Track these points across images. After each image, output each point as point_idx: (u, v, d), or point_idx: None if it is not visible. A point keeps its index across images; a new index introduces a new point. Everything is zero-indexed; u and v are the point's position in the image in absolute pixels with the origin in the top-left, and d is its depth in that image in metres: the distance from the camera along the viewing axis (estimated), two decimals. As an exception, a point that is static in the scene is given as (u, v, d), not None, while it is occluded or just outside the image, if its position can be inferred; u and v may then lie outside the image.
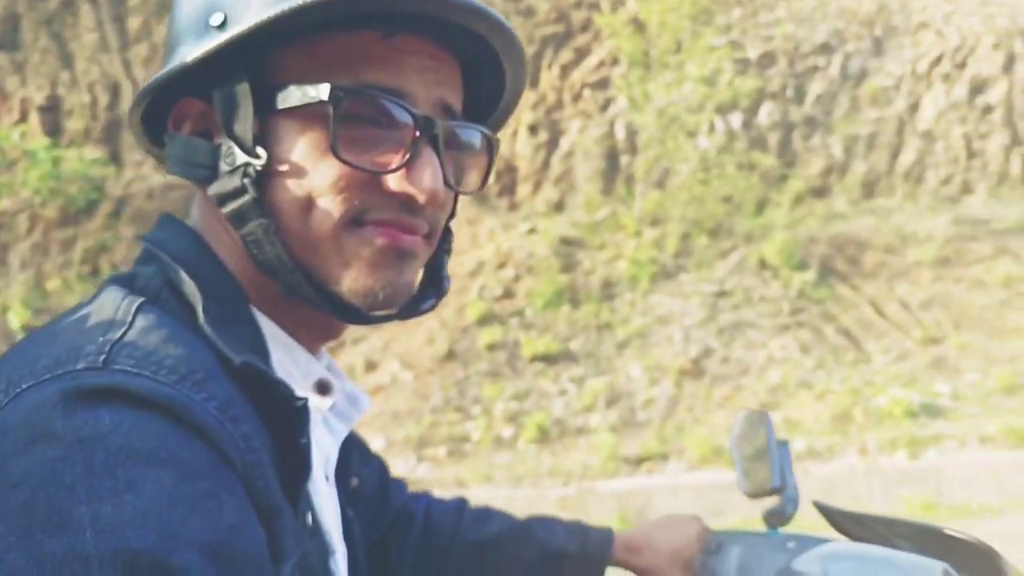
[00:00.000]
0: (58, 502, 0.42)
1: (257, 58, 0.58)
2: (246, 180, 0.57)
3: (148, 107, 0.63)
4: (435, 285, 0.69)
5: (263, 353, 0.59)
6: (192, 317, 0.56)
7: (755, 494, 0.90)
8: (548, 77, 10.31)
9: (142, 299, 0.55)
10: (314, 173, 0.57)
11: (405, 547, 0.94)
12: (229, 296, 0.59)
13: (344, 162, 0.57)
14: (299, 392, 0.57)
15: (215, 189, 0.59)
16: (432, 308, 0.68)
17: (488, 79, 0.67)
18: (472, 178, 0.66)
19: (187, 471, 0.46)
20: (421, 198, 0.58)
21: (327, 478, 0.67)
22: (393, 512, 0.94)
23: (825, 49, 11.55)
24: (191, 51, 0.58)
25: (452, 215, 0.68)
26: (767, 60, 11.25)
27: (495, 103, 0.70)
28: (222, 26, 0.57)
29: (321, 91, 0.56)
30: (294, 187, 0.58)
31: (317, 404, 0.64)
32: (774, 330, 7.12)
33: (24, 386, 0.47)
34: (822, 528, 0.85)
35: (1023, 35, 12.16)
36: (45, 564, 0.41)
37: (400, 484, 0.98)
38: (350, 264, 0.59)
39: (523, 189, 9.59)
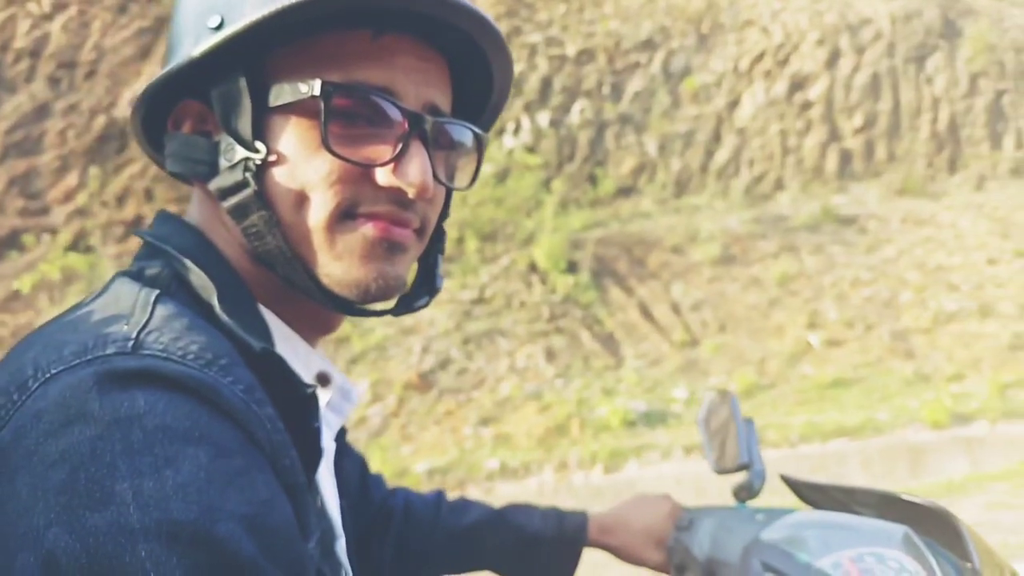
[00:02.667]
0: (100, 479, 0.43)
1: (253, 57, 0.60)
2: (247, 174, 0.59)
3: (149, 110, 0.64)
4: (428, 283, 0.71)
5: (271, 344, 0.60)
6: (203, 309, 0.57)
7: (724, 470, 0.94)
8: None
9: (158, 291, 0.56)
10: (307, 167, 0.59)
11: (386, 540, 0.95)
12: (235, 289, 0.60)
13: (335, 155, 0.59)
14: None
15: (217, 184, 0.60)
16: (426, 306, 0.70)
17: (475, 78, 0.68)
18: (462, 175, 0.69)
19: (221, 449, 0.47)
20: (411, 191, 0.60)
21: (329, 468, 0.71)
22: (374, 507, 0.96)
23: (648, 46, 11.40)
24: (189, 53, 0.59)
25: (445, 215, 0.70)
26: (585, 57, 11.04)
27: (483, 102, 0.71)
28: (219, 27, 0.59)
29: (313, 87, 0.58)
30: (289, 180, 0.59)
31: (319, 395, 0.63)
32: (528, 337, 6.84)
33: (54, 371, 0.48)
34: (790, 501, 0.87)
35: (850, 31, 12.25)
36: (88, 538, 0.42)
37: (379, 479, 1.00)
38: (342, 256, 0.60)
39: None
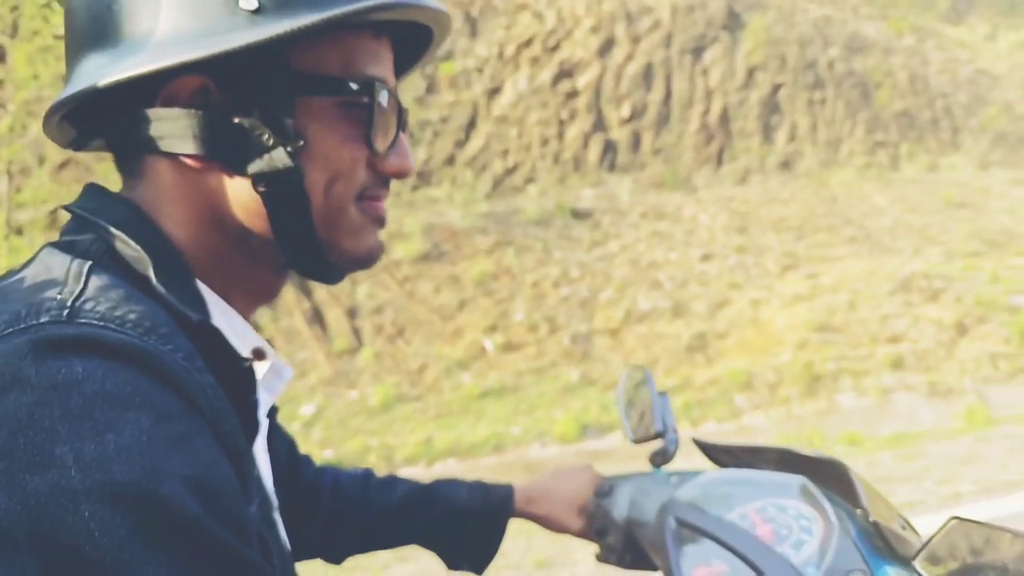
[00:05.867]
0: (39, 443, 0.43)
1: (285, 46, 0.60)
2: (293, 160, 0.60)
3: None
4: None
5: (207, 316, 0.60)
6: (138, 281, 0.56)
7: (640, 439, 0.99)
8: None
9: (90, 262, 0.55)
10: (338, 155, 0.62)
11: (315, 519, 0.96)
12: (172, 262, 0.60)
13: (371, 148, 0.63)
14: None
15: (257, 167, 0.60)
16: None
17: (406, 59, 0.73)
18: None
19: (162, 414, 0.47)
20: (409, 173, 0.67)
21: (263, 443, 0.70)
22: (303, 486, 0.95)
23: (408, 28, 10.77)
24: (217, 31, 0.57)
25: None
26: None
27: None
28: (256, 12, 0.58)
29: (357, 83, 0.61)
30: (322, 167, 0.61)
31: (255, 369, 0.62)
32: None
33: None
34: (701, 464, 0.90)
35: (627, 20, 11.98)
36: (30, 500, 0.42)
37: (308, 459, 1.00)
38: (355, 233, 0.65)
39: None
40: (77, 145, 0.68)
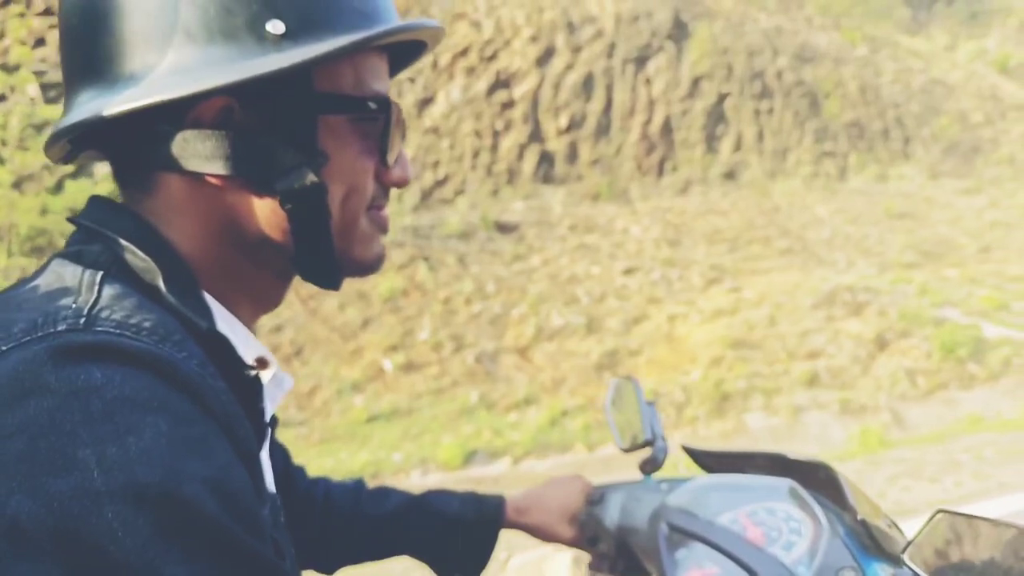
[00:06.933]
0: (61, 447, 0.43)
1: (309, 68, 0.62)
2: (316, 178, 0.61)
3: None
4: None
5: (214, 325, 0.60)
6: (147, 291, 0.57)
7: (630, 448, 1.02)
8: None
9: (102, 271, 0.56)
10: (352, 169, 0.64)
11: (307, 529, 0.97)
12: (179, 272, 0.60)
13: (384, 162, 0.66)
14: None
15: (284, 184, 0.61)
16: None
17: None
18: None
19: (179, 418, 0.47)
20: (409, 182, 0.71)
21: (265, 451, 0.70)
22: (297, 496, 0.96)
23: (338, 37, 10.51)
24: (246, 56, 0.59)
25: None
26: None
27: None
28: (283, 36, 0.59)
29: (368, 101, 0.64)
30: (340, 182, 0.63)
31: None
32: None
33: (4, 348, 0.48)
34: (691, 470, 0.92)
35: (569, 29, 11.79)
36: (53, 503, 0.42)
37: (301, 470, 1.00)
38: (365, 241, 0.67)
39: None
40: (68, 159, 0.68)
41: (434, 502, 1.00)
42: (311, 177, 0.60)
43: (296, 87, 0.60)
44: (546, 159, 10.40)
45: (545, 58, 11.21)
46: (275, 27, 0.58)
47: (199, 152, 0.60)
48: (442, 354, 6.52)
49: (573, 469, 5.17)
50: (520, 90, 10.73)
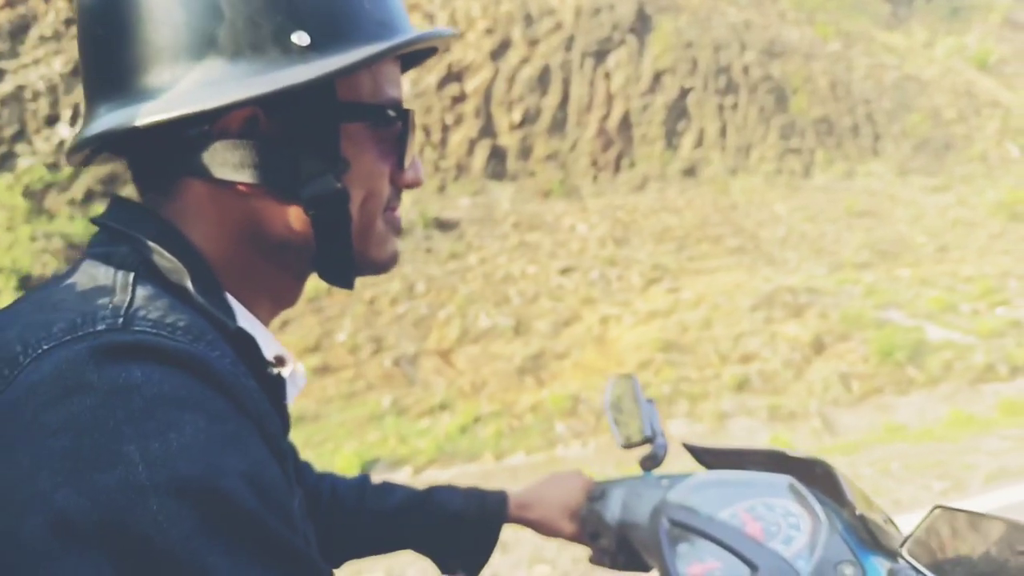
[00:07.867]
0: (105, 443, 0.45)
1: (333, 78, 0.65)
2: (343, 186, 0.64)
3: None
4: None
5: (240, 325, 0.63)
6: (175, 291, 0.59)
7: (630, 445, 1.03)
8: None
9: (133, 272, 0.57)
10: (370, 174, 0.67)
11: (314, 524, 0.94)
12: (203, 273, 0.62)
13: (398, 165, 0.69)
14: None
15: (309, 192, 0.63)
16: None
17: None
18: None
19: (215, 415, 0.49)
20: (422, 184, 0.73)
21: None
22: (304, 492, 0.94)
23: (284, 29, 10.22)
24: (273, 67, 0.60)
25: None
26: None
27: None
28: (308, 47, 0.60)
29: (386, 108, 0.66)
30: (360, 187, 0.66)
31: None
32: None
33: (46, 347, 0.49)
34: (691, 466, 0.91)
35: (526, 21, 11.50)
36: (99, 496, 0.44)
37: (308, 466, 1.02)
38: (381, 242, 0.70)
39: None
40: (86, 162, 0.68)
41: (437, 498, 1.03)
42: (335, 184, 0.63)
43: (320, 97, 0.62)
44: (497, 154, 10.12)
45: (500, 51, 10.93)
46: (300, 39, 0.60)
47: (228, 161, 0.62)
48: (359, 356, 6.25)
49: (478, 479, 4.92)
50: (473, 84, 10.44)
